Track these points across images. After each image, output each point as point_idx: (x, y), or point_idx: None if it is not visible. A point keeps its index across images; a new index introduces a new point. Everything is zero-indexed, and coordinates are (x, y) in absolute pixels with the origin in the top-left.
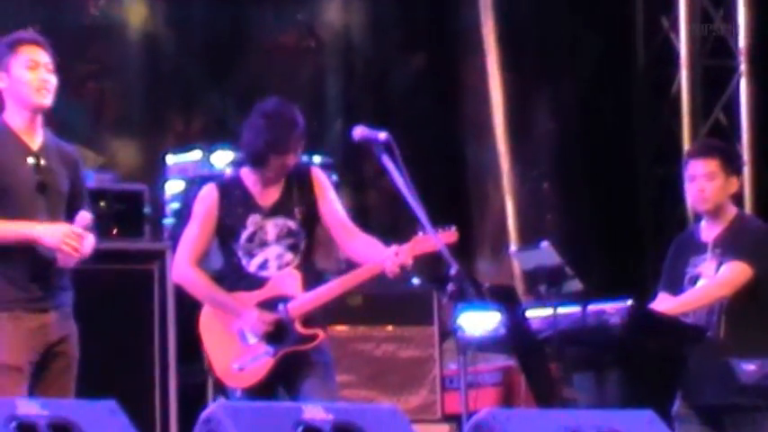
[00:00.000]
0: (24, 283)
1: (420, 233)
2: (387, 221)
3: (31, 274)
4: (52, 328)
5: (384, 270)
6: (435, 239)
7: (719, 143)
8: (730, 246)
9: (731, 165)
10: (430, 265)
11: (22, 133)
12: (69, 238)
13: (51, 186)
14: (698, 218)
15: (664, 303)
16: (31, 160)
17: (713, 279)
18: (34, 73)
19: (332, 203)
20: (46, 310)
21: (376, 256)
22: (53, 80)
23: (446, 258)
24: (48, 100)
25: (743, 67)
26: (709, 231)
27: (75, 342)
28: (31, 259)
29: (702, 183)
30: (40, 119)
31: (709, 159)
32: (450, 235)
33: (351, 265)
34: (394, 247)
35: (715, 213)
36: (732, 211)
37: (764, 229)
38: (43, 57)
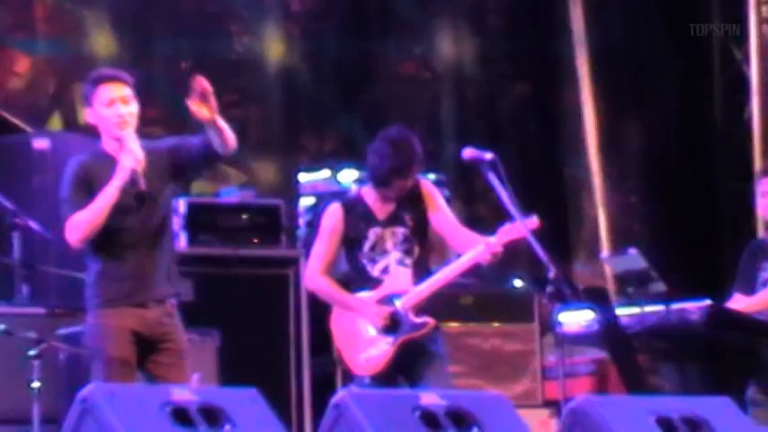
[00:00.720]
0: (126, 282)
1: (507, 224)
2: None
3: (133, 274)
4: (153, 323)
5: (478, 259)
6: (520, 227)
7: None
8: None
9: None
10: (532, 269)
11: (118, 153)
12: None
13: (149, 196)
14: None
15: (739, 303)
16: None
17: None
18: (112, 109)
19: (440, 209)
20: (146, 307)
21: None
22: (131, 109)
23: (542, 259)
24: (128, 129)
25: None
26: None
27: (180, 338)
28: (134, 259)
29: None
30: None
31: None
32: (533, 222)
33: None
34: (485, 238)
35: None
36: None
37: None
38: (120, 91)
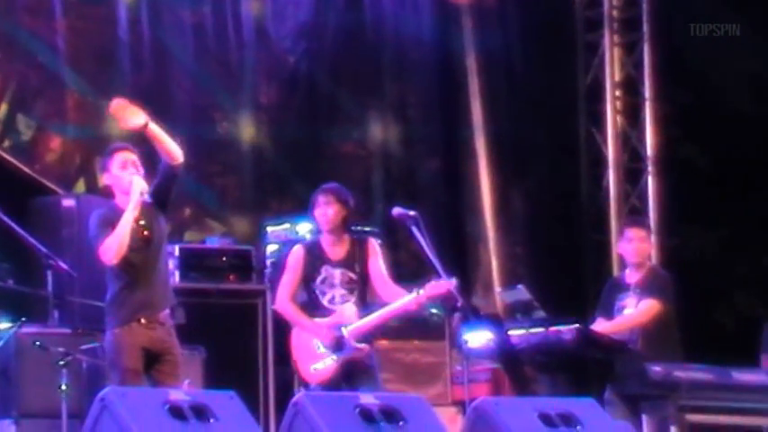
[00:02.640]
0: (140, 306)
1: (432, 281)
2: (411, 271)
3: (143, 300)
4: (158, 340)
5: (407, 308)
6: (444, 285)
7: (644, 219)
8: (646, 288)
9: (649, 233)
10: (444, 299)
11: (126, 205)
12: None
13: (151, 237)
14: (624, 266)
15: (601, 325)
16: (135, 224)
17: (636, 310)
18: (125, 171)
19: (377, 264)
20: (153, 327)
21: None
22: (138, 172)
23: (455, 295)
24: (136, 185)
25: (650, 168)
26: (632, 276)
27: (177, 352)
28: (143, 288)
29: (636, 244)
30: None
31: (642, 228)
32: (452, 282)
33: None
34: (415, 291)
35: (638, 265)
36: (647, 264)
37: (668, 276)
38: (130, 157)
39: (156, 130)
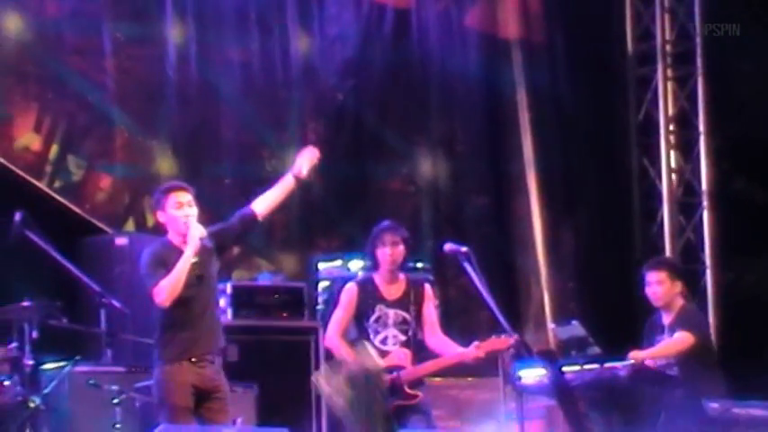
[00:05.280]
0: (190, 344)
1: (494, 336)
2: (460, 307)
3: (192, 338)
4: (207, 379)
5: (464, 359)
6: (504, 342)
7: (667, 258)
8: (678, 325)
9: (676, 272)
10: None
11: (181, 245)
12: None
13: (205, 275)
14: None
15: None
16: (192, 260)
17: (668, 340)
18: (180, 211)
19: (431, 309)
20: (202, 365)
21: (449, 349)
22: (193, 212)
23: (507, 329)
24: (194, 231)
25: (705, 203)
26: (666, 318)
27: (226, 389)
28: (193, 327)
29: (654, 287)
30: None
31: (659, 271)
32: (512, 339)
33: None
34: (475, 343)
35: (666, 306)
36: (679, 303)
37: (699, 312)
38: (185, 197)
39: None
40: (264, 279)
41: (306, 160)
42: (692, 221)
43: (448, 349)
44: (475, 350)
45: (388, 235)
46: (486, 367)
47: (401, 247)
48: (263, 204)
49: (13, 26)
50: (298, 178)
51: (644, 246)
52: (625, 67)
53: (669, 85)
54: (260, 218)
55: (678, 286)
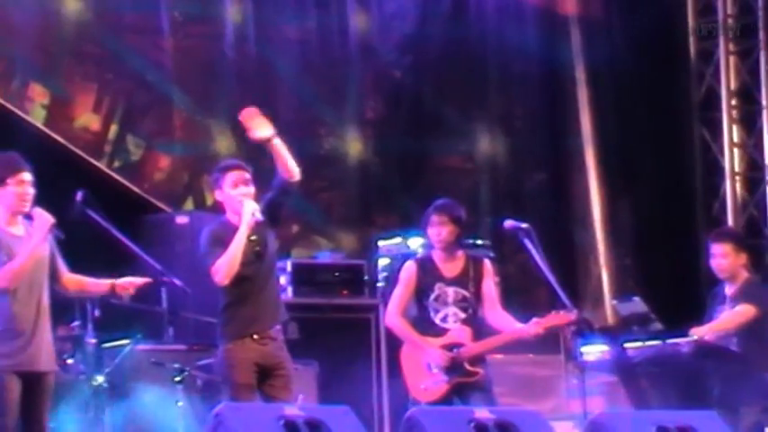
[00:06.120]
0: (252, 322)
1: (553, 312)
2: (518, 285)
3: (254, 315)
4: (270, 355)
5: (524, 335)
6: (564, 317)
7: (731, 230)
8: (740, 297)
9: (741, 244)
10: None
11: (238, 223)
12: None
13: (263, 252)
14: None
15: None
16: (246, 240)
17: (729, 312)
18: (237, 189)
19: (490, 285)
20: (264, 342)
21: (510, 326)
22: (250, 190)
23: (568, 305)
24: (247, 206)
25: None
26: (729, 289)
27: (289, 366)
28: (254, 303)
29: (718, 259)
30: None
31: (724, 243)
32: (573, 315)
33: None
34: (534, 319)
35: (730, 278)
36: (743, 275)
37: (762, 284)
38: (243, 176)
39: (279, 144)
40: (324, 257)
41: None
42: (755, 196)
43: (508, 326)
44: (534, 326)
45: (434, 215)
46: (547, 344)
47: (450, 227)
48: (281, 168)
49: (72, 7)
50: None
51: (706, 221)
52: (686, 42)
53: (731, 59)
54: (290, 179)
55: (742, 258)
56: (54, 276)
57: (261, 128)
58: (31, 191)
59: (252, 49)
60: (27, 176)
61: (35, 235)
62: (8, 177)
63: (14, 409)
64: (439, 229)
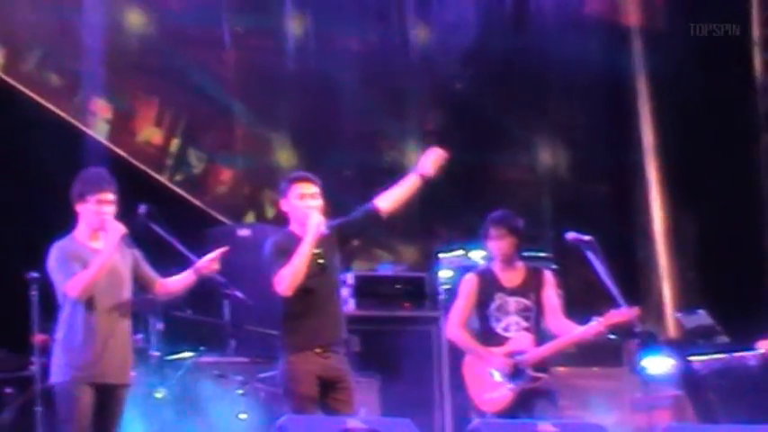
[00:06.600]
0: (315, 334)
1: (612, 310)
2: (581, 298)
3: (317, 328)
4: (332, 368)
5: (586, 336)
6: (622, 314)
7: None
8: None
9: None
10: (623, 324)
11: (303, 235)
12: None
13: (327, 265)
14: None
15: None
16: (314, 250)
17: None
18: (302, 201)
19: (551, 294)
20: (326, 355)
21: (570, 331)
22: (316, 203)
23: (635, 323)
24: (313, 219)
25: None
26: None
27: (350, 379)
28: (317, 316)
29: None
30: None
31: None
32: (634, 311)
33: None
34: (594, 320)
35: None
36: None
37: None
38: (309, 188)
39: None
40: (385, 269)
41: (432, 160)
42: None
43: (571, 332)
44: (596, 325)
45: (492, 228)
46: (611, 357)
47: (509, 239)
48: (387, 201)
49: (135, 21)
50: (423, 177)
51: None
52: (750, 53)
53: None
54: (384, 215)
55: None
56: (146, 286)
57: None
58: (109, 210)
59: (312, 61)
60: (107, 196)
61: (106, 245)
62: (88, 195)
63: (85, 420)
64: (498, 243)
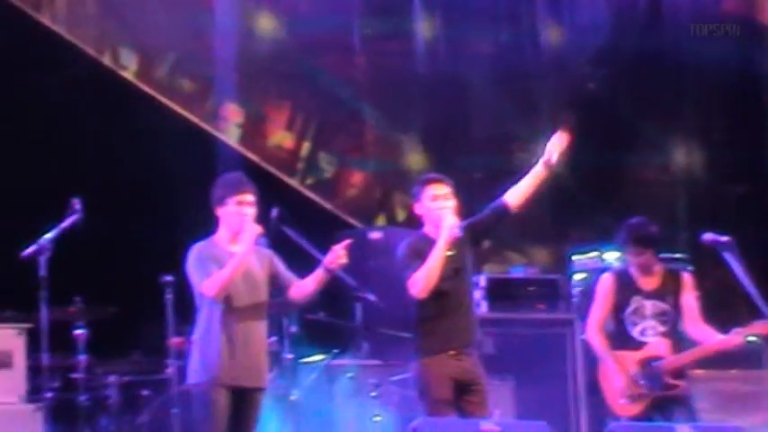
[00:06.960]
0: (449, 337)
1: (756, 321)
2: (717, 300)
3: (451, 330)
4: (466, 371)
5: (726, 346)
6: (764, 325)
7: None
8: None
9: None
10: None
11: (437, 237)
12: None
13: (461, 268)
14: None
15: None
16: (448, 252)
17: None
18: (436, 203)
19: (689, 299)
20: (461, 358)
21: (711, 338)
22: (450, 204)
23: None
24: (447, 221)
25: None
26: None
27: (484, 382)
28: (451, 318)
29: None
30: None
31: None
32: None
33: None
34: (737, 330)
35: None
36: None
37: None
38: (442, 190)
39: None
40: (518, 272)
41: (555, 146)
42: None
43: (710, 338)
44: (736, 336)
45: (633, 245)
46: (751, 359)
47: (648, 254)
48: (514, 195)
49: (266, 26)
50: (548, 166)
51: None
52: None
53: None
54: (512, 209)
55: None
56: (283, 288)
57: (556, 155)
58: (250, 211)
59: (443, 64)
60: (247, 197)
61: (241, 244)
62: (228, 197)
63: (221, 423)
64: (637, 258)
